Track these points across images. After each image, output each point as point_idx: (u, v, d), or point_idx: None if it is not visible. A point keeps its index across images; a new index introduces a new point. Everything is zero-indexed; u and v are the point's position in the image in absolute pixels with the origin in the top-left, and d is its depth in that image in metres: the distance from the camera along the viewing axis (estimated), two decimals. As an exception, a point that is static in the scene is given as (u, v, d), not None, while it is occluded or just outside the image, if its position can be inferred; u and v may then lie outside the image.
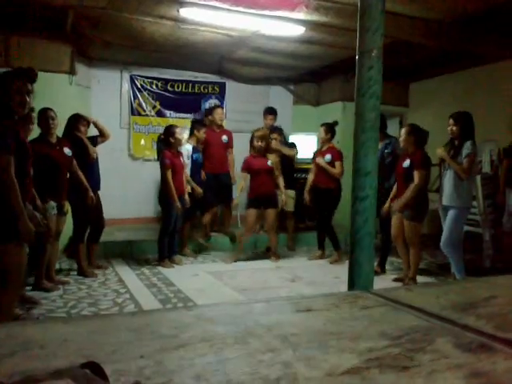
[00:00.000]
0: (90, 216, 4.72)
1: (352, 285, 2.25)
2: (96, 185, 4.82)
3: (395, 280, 4.79)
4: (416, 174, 4.42)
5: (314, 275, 5.03)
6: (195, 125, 6.14)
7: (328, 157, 5.63)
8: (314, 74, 7.46)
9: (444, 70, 6.82)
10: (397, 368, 0.93)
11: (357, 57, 2.36)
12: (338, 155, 5.66)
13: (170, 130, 5.26)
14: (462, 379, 0.90)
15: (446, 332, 1.15)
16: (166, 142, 5.24)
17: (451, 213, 4.40)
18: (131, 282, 4.59)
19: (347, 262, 2.32)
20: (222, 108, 6.72)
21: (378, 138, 2.42)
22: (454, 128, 4.37)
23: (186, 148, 5.77)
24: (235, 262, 5.54)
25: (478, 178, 5.76)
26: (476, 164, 4.42)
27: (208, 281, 4.75)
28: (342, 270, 5.30)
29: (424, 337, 1.10)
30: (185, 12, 4.68)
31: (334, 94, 7.61)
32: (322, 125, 5.85)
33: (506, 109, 6.09)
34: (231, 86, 7.62)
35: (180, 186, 5.22)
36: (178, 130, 5.26)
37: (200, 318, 1.23)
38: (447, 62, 6.42)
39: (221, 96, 7.59)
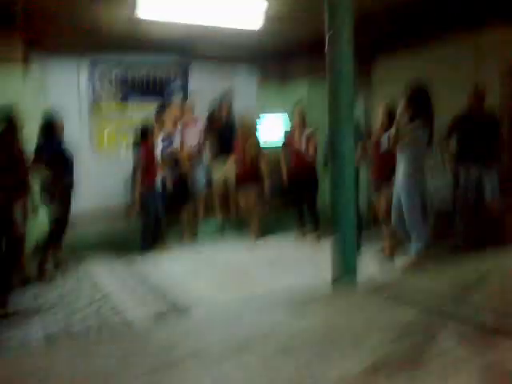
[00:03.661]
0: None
1: (336, 271, 2.23)
2: None
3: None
4: None
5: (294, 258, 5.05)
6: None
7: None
8: (279, 52, 7.32)
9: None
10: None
11: (326, 36, 2.28)
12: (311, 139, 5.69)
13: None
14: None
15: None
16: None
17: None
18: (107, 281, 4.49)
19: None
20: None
21: (353, 118, 2.37)
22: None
23: None
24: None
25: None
26: None
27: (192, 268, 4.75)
28: (324, 251, 5.30)
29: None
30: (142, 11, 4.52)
31: (299, 71, 7.49)
32: (295, 106, 5.79)
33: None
34: (195, 67, 7.41)
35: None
36: None
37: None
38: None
39: (185, 78, 7.40)
